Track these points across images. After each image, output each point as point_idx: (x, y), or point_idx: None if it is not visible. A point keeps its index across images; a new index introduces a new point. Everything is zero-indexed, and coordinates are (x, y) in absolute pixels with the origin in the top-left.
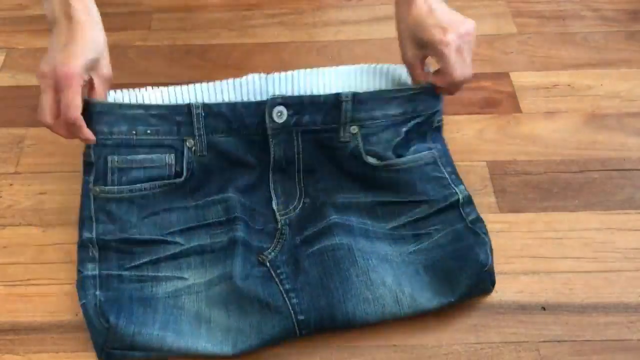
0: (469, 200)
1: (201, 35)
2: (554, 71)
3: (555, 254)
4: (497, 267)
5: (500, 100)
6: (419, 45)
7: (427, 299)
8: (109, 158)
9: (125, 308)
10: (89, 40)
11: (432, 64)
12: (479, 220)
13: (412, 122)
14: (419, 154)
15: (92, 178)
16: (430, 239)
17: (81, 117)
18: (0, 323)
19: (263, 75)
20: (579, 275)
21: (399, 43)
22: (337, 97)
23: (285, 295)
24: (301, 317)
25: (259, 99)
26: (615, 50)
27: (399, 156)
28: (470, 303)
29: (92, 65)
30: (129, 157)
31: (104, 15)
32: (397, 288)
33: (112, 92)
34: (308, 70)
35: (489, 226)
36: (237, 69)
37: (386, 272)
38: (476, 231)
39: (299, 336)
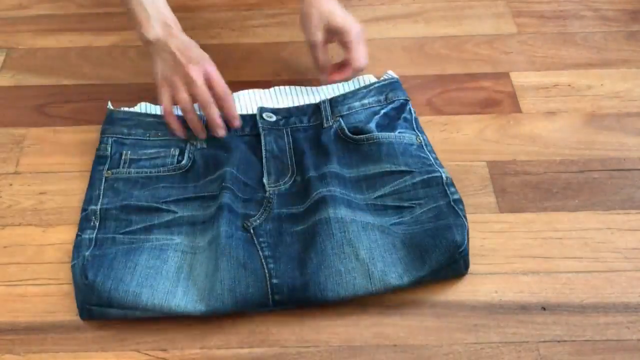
0: (452, 182)
1: (201, 35)
2: (554, 71)
3: (555, 254)
4: (497, 267)
5: (500, 100)
6: (329, 30)
7: (398, 275)
8: (124, 152)
9: (105, 264)
10: (196, 46)
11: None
12: (460, 202)
13: (389, 107)
14: (403, 134)
15: (106, 167)
16: (412, 214)
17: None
18: (0, 323)
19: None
20: (579, 275)
21: (305, 27)
22: (317, 104)
23: (263, 260)
24: (275, 281)
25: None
26: (615, 50)
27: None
28: (470, 303)
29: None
30: (140, 152)
31: (104, 15)
32: (369, 262)
33: (140, 104)
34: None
35: (489, 226)
36: (237, 69)
37: (361, 244)
38: (457, 212)
39: (272, 304)
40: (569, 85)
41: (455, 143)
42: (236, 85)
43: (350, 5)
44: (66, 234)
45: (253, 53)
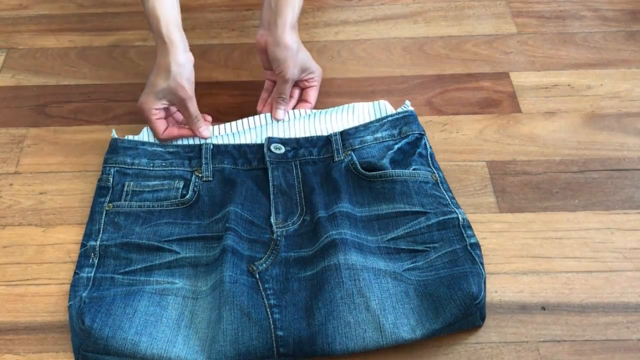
0: (469, 224)
1: (201, 35)
2: (554, 71)
3: (555, 254)
4: (497, 267)
5: (500, 100)
6: (302, 70)
7: (410, 328)
8: (127, 183)
9: (103, 309)
10: (158, 82)
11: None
12: (477, 246)
13: (403, 141)
14: (418, 171)
15: (107, 199)
16: (426, 259)
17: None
18: (0, 323)
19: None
20: (579, 275)
21: (284, 64)
22: (327, 137)
23: (268, 309)
24: (280, 334)
25: (259, 141)
26: (615, 50)
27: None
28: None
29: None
30: (142, 183)
31: (104, 15)
32: (380, 314)
33: (144, 130)
34: (303, 114)
35: (489, 226)
36: (237, 69)
37: (372, 294)
38: (474, 258)
39: (277, 357)
40: (569, 86)
41: (455, 143)
42: (237, 85)
43: (350, 6)
44: (66, 234)
45: (253, 53)
